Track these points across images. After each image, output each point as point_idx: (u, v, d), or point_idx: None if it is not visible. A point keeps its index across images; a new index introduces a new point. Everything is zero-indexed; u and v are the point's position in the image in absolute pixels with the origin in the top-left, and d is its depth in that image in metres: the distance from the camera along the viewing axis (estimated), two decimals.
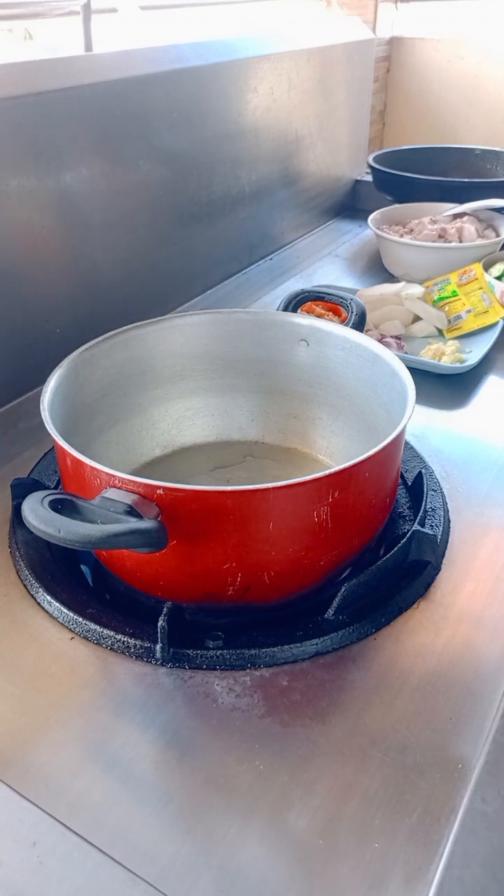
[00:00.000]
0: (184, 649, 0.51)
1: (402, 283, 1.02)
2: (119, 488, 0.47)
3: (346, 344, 0.67)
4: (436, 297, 1.00)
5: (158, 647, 0.51)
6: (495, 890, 0.38)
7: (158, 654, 0.51)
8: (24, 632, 0.54)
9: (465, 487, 0.68)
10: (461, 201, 1.21)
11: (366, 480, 0.52)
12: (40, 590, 0.57)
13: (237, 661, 0.51)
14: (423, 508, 0.63)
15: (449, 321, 0.96)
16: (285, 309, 0.73)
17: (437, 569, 0.59)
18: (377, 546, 0.62)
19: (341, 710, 0.48)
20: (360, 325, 0.69)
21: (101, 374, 0.65)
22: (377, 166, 1.35)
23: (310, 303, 0.86)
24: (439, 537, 0.61)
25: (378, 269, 1.20)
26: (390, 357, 0.62)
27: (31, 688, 0.50)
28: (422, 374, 0.85)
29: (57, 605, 0.55)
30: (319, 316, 0.90)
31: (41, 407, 0.55)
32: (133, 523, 0.45)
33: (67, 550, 0.60)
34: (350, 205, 1.52)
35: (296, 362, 0.71)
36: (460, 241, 1.12)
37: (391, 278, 1.17)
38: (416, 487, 0.67)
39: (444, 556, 0.60)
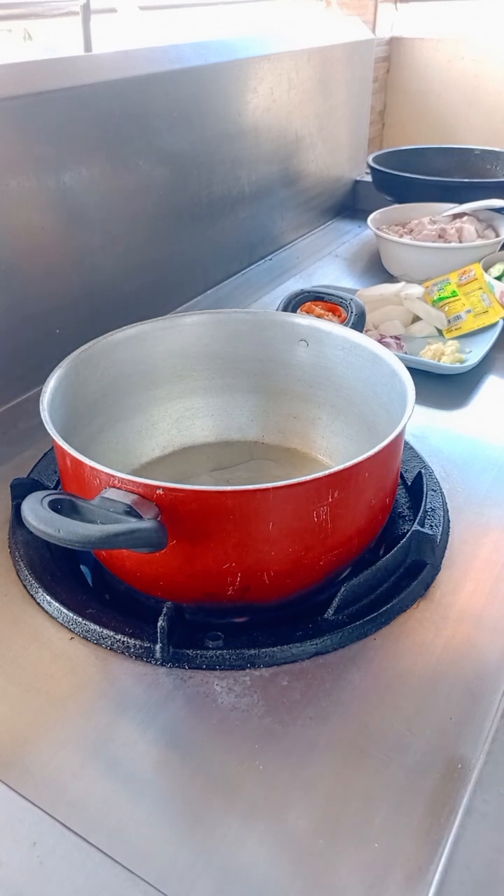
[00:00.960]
0: (184, 649, 0.51)
1: (402, 284, 1.02)
2: (119, 488, 0.47)
3: (346, 344, 0.67)
4: (435, 298, 1.00)
5: (158, 647, 0.51)
6: (495, 890, 0.38)
7: (158, 654, 0.51)
8: (24, 632, 0.54)
9: (464, 487, 0.68)
10: (461, 201, 1.21)
11: (366, 480, 0.52)
12: (40, 590, 0.57)
13: (237, 661, 0.51)
14: (422, 508, 0.63)
15: (448, 321, 0.96)
16: (285, 309, 0.73)
17: (437, 569, 0.59)
18: (377, 546, 0.62)
19: (341, 710, 0.48)
20: (359, 325, 0.69)
21: (101, 374, 0.65)
22: (377, 166, 1.35)
23: (309, 303, 0.86)
24: (439, 537, 0.61)
25: (378, 269, 1.20)
26: (390, 357, 0.62)
27: (31, 688, 0.50)
28: (422, 374, 0.85)
29: (57, 605, 0.55)
30: (319, 316, 0.90)
31: (41, 407, 0.55)
32: (133, 523, 0.45)
33: (67, 550, 0.60)
34: (350, 205, 1.52)
35: (296, 362, 0.71)
36: (460, 242, 1.12)
37: (391, 278, 1.17)
38: (416, 487, 0.67)
39: (443, 556, 0.60)
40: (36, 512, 0.44)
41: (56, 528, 0.43)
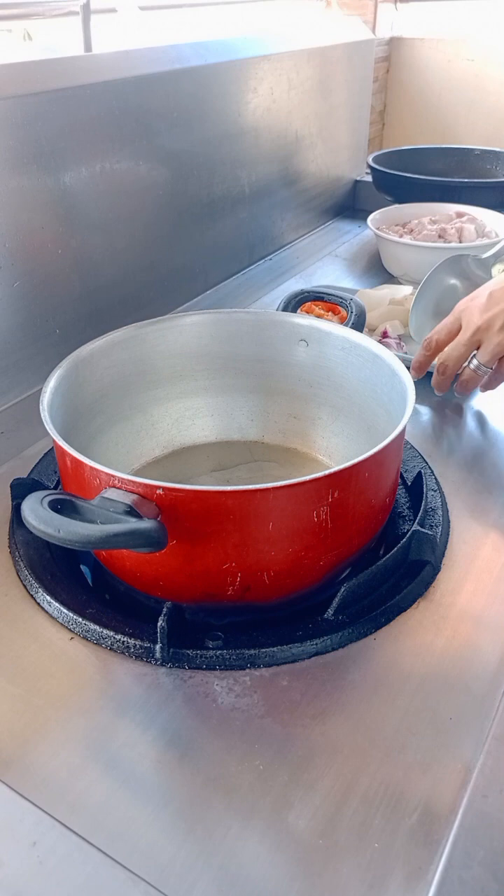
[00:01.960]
0: (184, 649, 0.51)
1: (405, 290, 1.02)
2: (119, 488, 0.47)
3: (346, 344, 0.67)
4: None
5: (158, 647, 0.51)
6: (495, 890, 0.38)
7: (158, 654, 0.51)
8: (24, 632, 0.54)
9: (465, 487, 0.68)
10: (461, 201, 1.21)
11: (366, 480, 0.52)
12: (40, 590, 0.57)
13: (237, 661, 0.51)
14: (422, 508, 0.63)
15: None
16: (285, 309, 0.73)
17: (437, 569, 0.59)
18: (377, 546, 0.62)
19: (341, 710, 0.48)
20: (359, 325, 0.69)
21: (101, 374, 0.65)
22: (377, 166, 1.35)
23: (309, 303, 0.86)
24: (439, 537, 0.61)
25: (378, 269, 1.20)
26: (390, 357, 0.62)
27: (31, 688, 0.50)
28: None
29: (57, 605, 0.55)
30: (319, 316, 0.90)
31: (41, 407, 0.55)
32: (133, 523, 0.45)
33: (67, 550, 0.60)
34: (350, 205, 1.52)
35: (296, 362, 0.71)
36: (460, 242, 1.12)
37: (391, 278, 1.17)
38: (416, 487, 0.67)
39: (443, 556, 0.60)
40: (36, 512, 0.44)
41: (56, 528, 0.43)
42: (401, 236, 1.15)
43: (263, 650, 0.51)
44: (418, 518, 0.62)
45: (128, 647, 0.52)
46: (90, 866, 0.40)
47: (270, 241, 1.27)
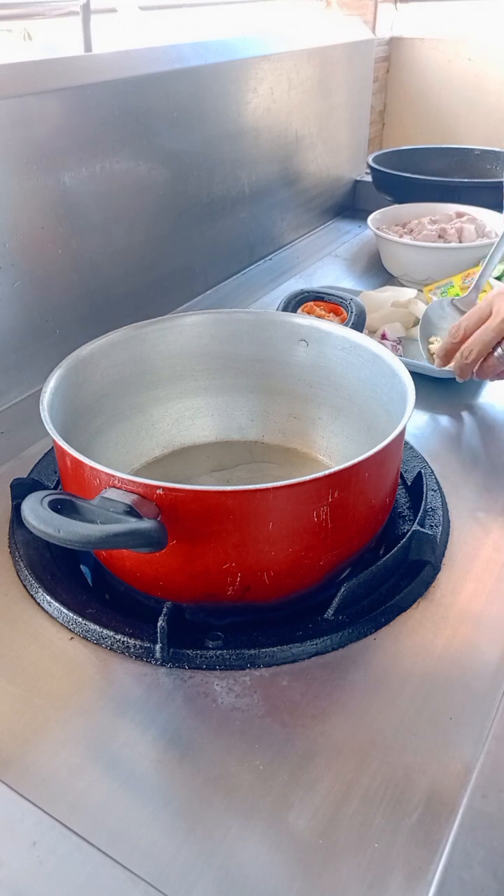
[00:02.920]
0: (184, 649, 0.51)
1: (409, 293, 1.02)
2: (119, 488, 0.47)
3: (346, 344, 0.67)
4: None
5: (158, 647, 0.51)
6: (495, 890, 0.38)
7: (158, 654, 0.51)
8: (24, 632, 0.54)
9: (465, 487, 0.68)
10: (461, 201, 1.21)
11: (366, 480, 0.52)
12: (40, 590, 0.57)
13: (237, 661, 0.51)
14: (422, 508, 0.63)
15: None
16: (285, 309, 0.73)
17: (437, 569, 0.59)
18: (377, 546, 0.62)
19: (341, 710, 0.48)
20: (359, 325, 0.69)
21: (101, 374, 0.65)
22: (377, 166, 1.35)
23: (310, 303, 0.86)
24: (439, 537, 0.61)
25: (378, 269, 1.20)
26: (390, 357, 0.62)
27: (31, 688, 0.50)
28: (423, 375, 0.85)
29: (57, 605, 0.55)
30: (319, 316, 0.90)
31: (41, 407, 0.55)
32: (133, 523, 0.45)
33: (67, 550, 0.60)
34: (350, 205, 1.52)
35: (296, 362, 0.71)
36: (460, 242, 1.12)
37: (391, 279, 1.17)
38: (416, 487, 0.67)
39: (443, 556, 0.60)
40: (36, 512, 0.44)
41: (56, 528, 0.43)
42: (401, 236, 1.15)
43: (263, 650, 0.51)
44: (418, 518, 0.62)
45: (128, 647, 0.52)
46: (90, 866, 0.40)
47: (270, 241, 1.27)
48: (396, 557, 0.57)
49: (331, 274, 1.20)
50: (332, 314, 0.93)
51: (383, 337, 0.94)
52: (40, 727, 0.47)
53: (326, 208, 1.44)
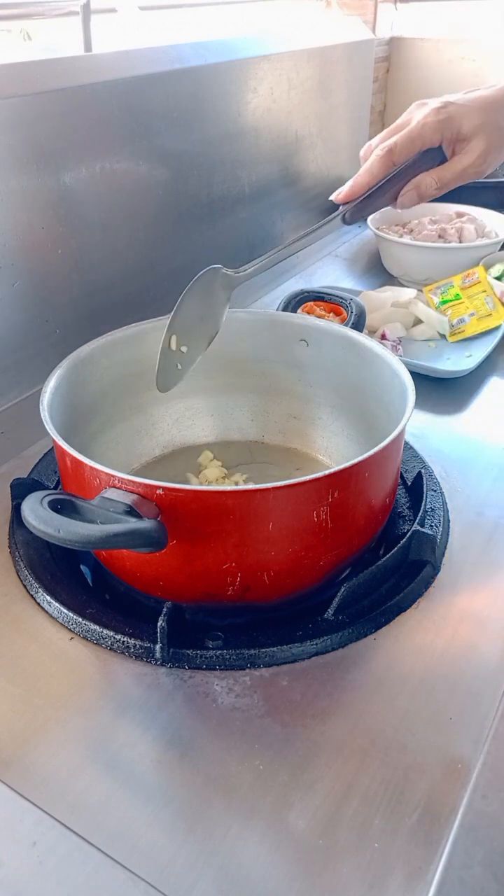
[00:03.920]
0: (184, 649, 0.51)
1: (409, 293, 1.01)
2: (119, 488, 0.47)
3: (346, 344, 0.67)
4: (439, 301, 1.00)
5: (158, 647, 0.51)
6: (495, 890, 0.38)
7: (158, 654, 0.51)
8: (24, 632, 0.54)
9: (464, 488, 0.68)
10: (461, 201, 1.21)
11: (366, 480, 0.52)
12: (40, 590, 0.57)
13: (237, 661, 0.51)
14: (422, 508, 0.63)
15: (452, 325, 0.96)
16: (285, 309, 0.73)
17: (437, 569, 0.59)
18: (377, 546, 0.62)
19: (341, 710, 0.48)
20: (359, 325, 0.69)
21: (101, 374, 0.65)
22: None
23: (310, 303, 0.86)
24: (439, 537, 0.61)
25: (378, 269, 1.20)
26: (390, 357, 0.62)
27: (31, 688, 0.50)
28: (423, 376, 0.85)
29: (57, 605, 0.55)
30: (319, 316, 0.90)
31: (41, 407, 0.55)
32: (133, 523, 0.45)
33: (67, 550, 0.60)
34: None
35: (296, 362, 0.71)
36: (460, 242, 1.12)
37: (391, 279, 1.17)
38: (416, 487, 0.67)
39: (443, 556, 0.60)
40: (36, 512, 0.44)
41: (56, 528, 0.43)
42: (401, 236, 1.15)
43: (263, 650, 0.51)
44: (418, 518, 0.62)
45: (128, 647, 0.52)
46: (90, 866, 0.40)
47: (270, 241, 1.27)
48: (396, 557, 0.57)
49: (331, 274, 1.20)
50: (332, 314, 0.93)
51: (383, 337, 0.94)
52: (40, 727, 0.47)
53: (326, 208, 1.44)
